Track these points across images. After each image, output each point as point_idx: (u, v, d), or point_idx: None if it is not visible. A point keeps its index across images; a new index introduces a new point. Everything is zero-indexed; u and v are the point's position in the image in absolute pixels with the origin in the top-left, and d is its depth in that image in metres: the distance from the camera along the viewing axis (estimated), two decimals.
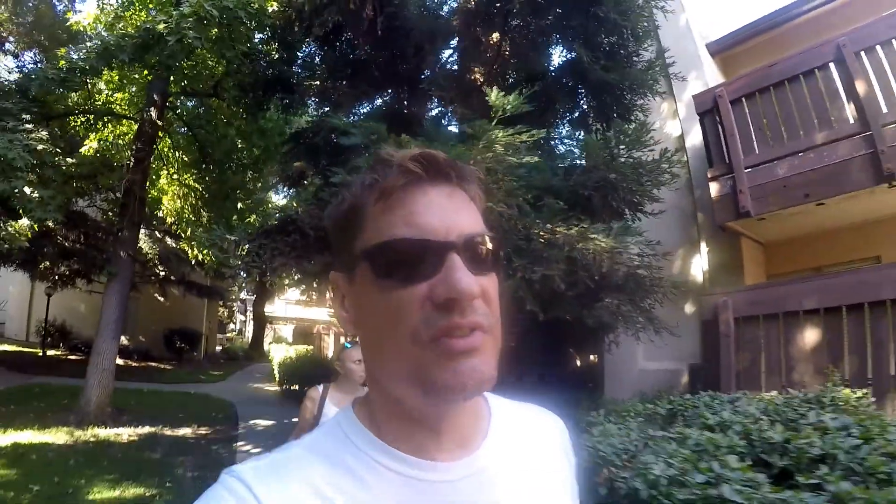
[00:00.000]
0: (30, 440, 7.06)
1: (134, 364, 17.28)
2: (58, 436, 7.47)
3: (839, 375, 4.34)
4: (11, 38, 13.47)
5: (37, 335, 19.23)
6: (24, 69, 13.28)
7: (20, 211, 7.17)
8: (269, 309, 33.29)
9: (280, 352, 17.08)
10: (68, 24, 12.50)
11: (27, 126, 7.40)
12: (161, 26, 6.38)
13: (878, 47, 5.57)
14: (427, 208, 0.61)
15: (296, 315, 35.31)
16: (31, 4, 13.26)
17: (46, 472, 5.97)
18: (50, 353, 17.12)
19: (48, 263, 15.46)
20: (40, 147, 6.84)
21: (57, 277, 16.45)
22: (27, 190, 6.66)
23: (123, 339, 14.10)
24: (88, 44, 7.53)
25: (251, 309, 30.64)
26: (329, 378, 3.58)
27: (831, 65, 5.85)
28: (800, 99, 6.05)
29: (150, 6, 9.27)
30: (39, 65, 13.87)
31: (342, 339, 10.68)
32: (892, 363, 4.45)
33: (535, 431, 0.78)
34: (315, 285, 8.15)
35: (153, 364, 18.11)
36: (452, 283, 0.56)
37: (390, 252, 0.59)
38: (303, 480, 0.59)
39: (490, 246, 0.63)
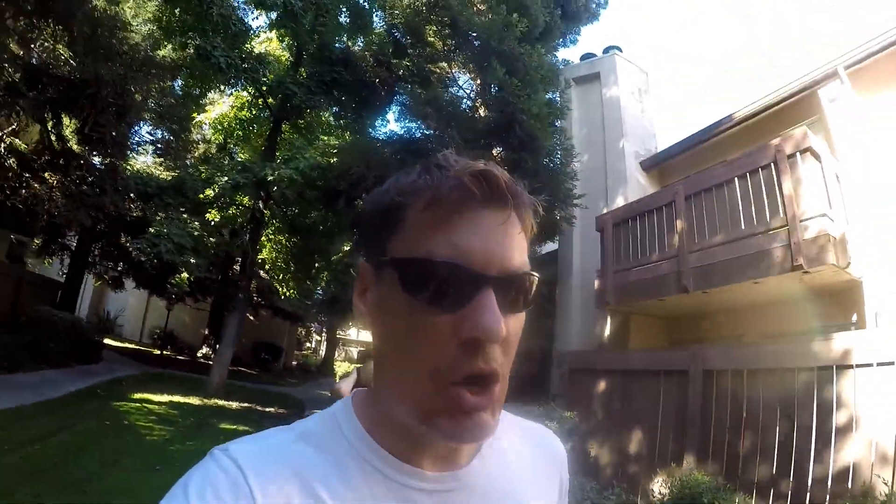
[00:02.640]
0: (179, 399, 11.98)
1: (229, 368, 22.39)
2: (193, 400, 12.35)
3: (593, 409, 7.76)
4: (149, 121, 17.86)
5: (149, 338, 24.90)
6: (158, 144, 18.57)
7: (183, 269, 12.14)
8: (344, 332, 38.64)
9: (342, 368, 22.06)
10: (194, 120, 17.91)
11: (184, 216, 12.48)
12: (269, 177, 11.27)
13: (702, 192, 7.74)
14: (473, 233, 0.59)
15: (365, 338, 40.49)
16: (166, 98, 17.54)
17: (193, 413, 10.94)
18: (159, 352, 22.51)
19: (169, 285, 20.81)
20: (196, 233, 11.80)
21: (174, 296, 21.51)
22: (191, 259, 11.60)
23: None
24: (224, 179, 12.18)
25: (326, 331, 35.87)
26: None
27: (673, 204, 8.10)
28: (648, 227, 8.52)
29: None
30: (171, 139, 18.97)
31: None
32: (635, 405, 7.14)
33: (531, 452, 0.80)
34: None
35: (243, 369, 22.41)
36: (480, 322, 0.56)
37: (423, 270, 0.58)
38: (292, 468, 0.60)
39: (527, 286, 0.63)
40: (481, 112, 11.73)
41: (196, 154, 20.27)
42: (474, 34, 11.04)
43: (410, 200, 0.62)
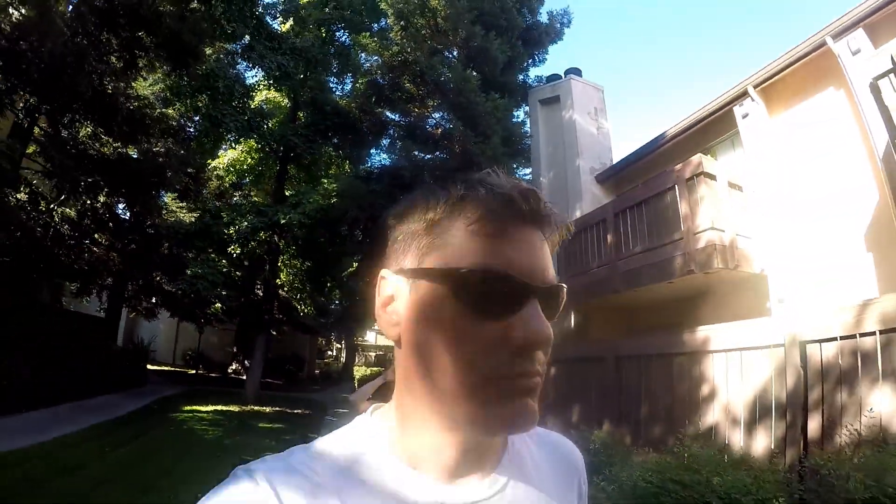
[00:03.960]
0: (221, 408, 14.77)
1: (260, 380, 25.08)
2: (233, 408, 15.13)
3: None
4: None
5: (181, 360, 27.61)
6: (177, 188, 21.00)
7: (216, 301, 14.93)
8: (363, 339, 41.68)
9: (360, 372, 25.00)
10: (209, 166, 20.61)
11: (213, 256, 15.30)
12: (282, 220, 14.02)
13: (626, 210, 9.18)
14: (521, 247, 0.63)
15: (383, 343, 43.44)
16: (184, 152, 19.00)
17: (236, 418, 13.72)
18: (193, 372, 25.62)
19: (197, 311, 23.47)
20: (225, 269, 14.58)
21: (203, 320, 24.54)
22: (223, 292, 14.38)
23: (246, 362, 22.42)
24: (244, 224, 14.91)
25: (344, 339, 38.76)
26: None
27: (605, 220, 9.65)
28: (589, 240, 10.09)
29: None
30: (189, 182, 21.17)
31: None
32: (574, 386, 8.82)
33: (548, 459, 0.82)
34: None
35: (270, 381, 24.97)
36: (533, 329, 0.60)
37: (477, 280, 0.60)
38: (313, 482, 0.63)
39: (560, 297, 0.67)
40: (456, 146, 14.25)
41: (211, 188, 22.78)
42: (441, 84, 13.65)
43: (454, 213, 0.65)
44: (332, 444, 0.70)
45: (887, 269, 7.18)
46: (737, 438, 6.09)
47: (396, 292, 0.68)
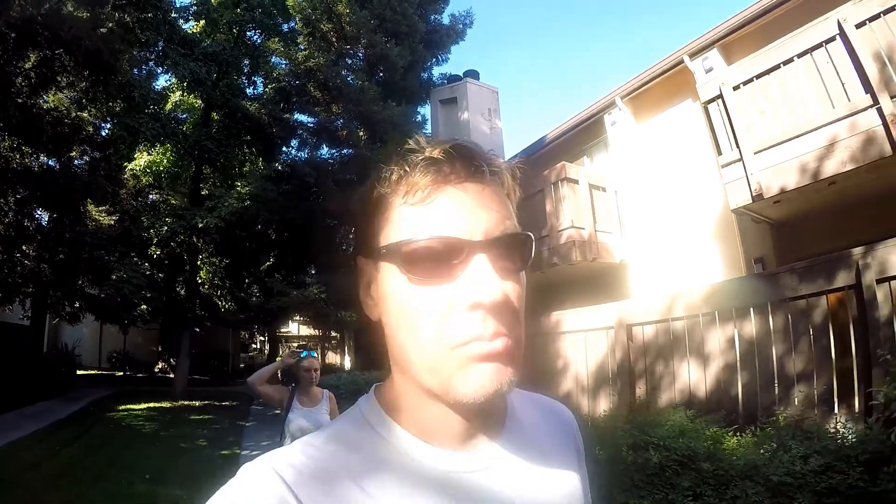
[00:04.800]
0: (153, 405, 15.84)
1: (187, 376, 25.68)
2: (165, 404, 16.24)
3: None
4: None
5: (107, 362, 27.98)
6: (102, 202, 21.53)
7: (141, 303, 15.94)
8: (286, 329, 42.45)
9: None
10: (126, 167, 21.12)
11: (135, 259, 16.29)
12: (200, 224, 15.15)
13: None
14: (454, 206, 0.62)
15: (305, 333, 44.40)
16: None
17: (168, 413, 14.86)
18: (121, 373, 26.13)
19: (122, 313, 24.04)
20: (148, 272, 15.61)
21: (127, 321, 25.09)
22: (147, 294, 15.45)
23: (172, 361, 23.36)
24: (164, 228, 15.98)
25: (267, 332, 39.59)
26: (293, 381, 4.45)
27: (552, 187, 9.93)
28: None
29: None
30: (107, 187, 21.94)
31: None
32: None
33: (548, 421, 0.86)
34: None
35: (197, 376, 25.65)
36: (478, 288, 0.59)
37: (415, 252, 0.61)
38: (328, 469, 0.63)
39: (519, 245, 0.66)
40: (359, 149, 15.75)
41: (129, 186, 23.18)
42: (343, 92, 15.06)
43: (390, 191, 0.65)
44: (341, 424, 0.72)
45: (729, 256, 8.75)
46: (585, 403, 7.32)
47: (370, 276, 0.70)
